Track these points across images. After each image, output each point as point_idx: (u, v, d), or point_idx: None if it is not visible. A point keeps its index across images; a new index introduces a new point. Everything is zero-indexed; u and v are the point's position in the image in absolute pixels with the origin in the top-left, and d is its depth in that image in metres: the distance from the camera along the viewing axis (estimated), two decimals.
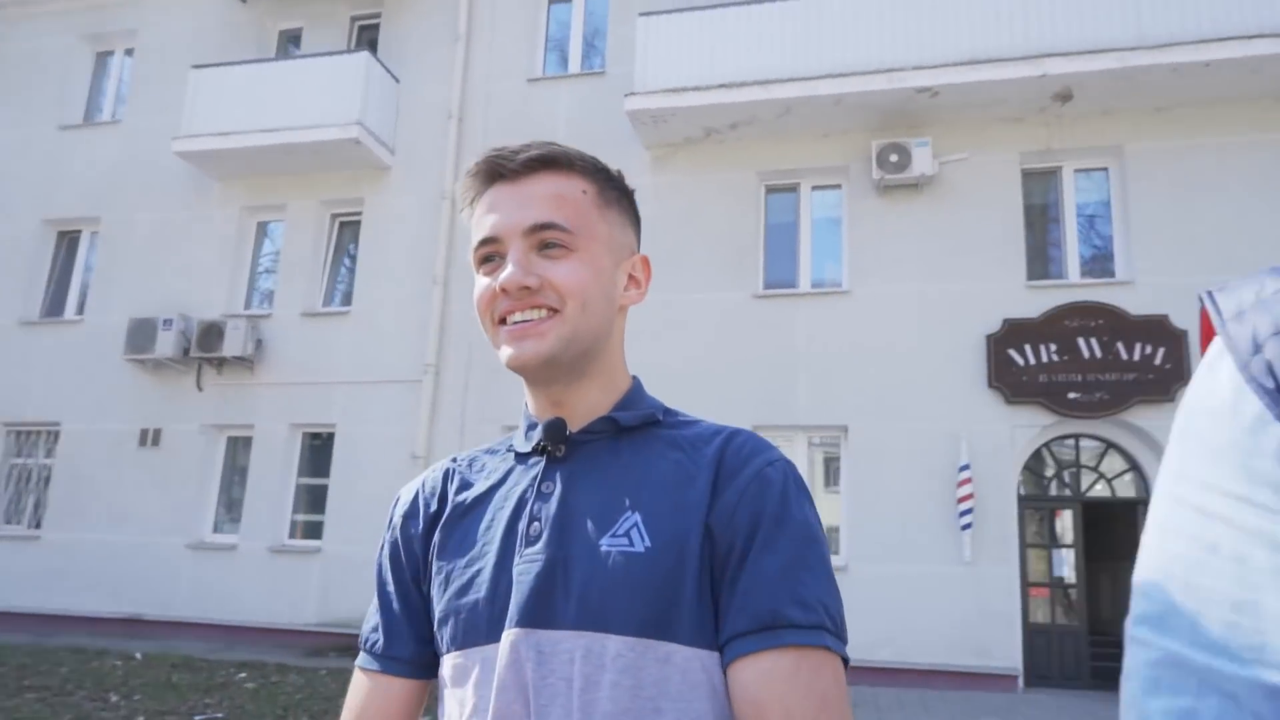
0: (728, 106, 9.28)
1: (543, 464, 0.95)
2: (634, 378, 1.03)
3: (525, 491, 0.94)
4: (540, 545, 0.88)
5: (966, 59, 8.61)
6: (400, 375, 10.12)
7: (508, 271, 0.90)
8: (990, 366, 8.64)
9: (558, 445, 0.95)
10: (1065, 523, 8.92)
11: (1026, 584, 8.59)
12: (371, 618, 1.01)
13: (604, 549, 0.87)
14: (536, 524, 0.90)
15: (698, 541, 0.87)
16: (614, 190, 1.01)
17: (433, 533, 0.97)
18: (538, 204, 0.92)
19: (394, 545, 1.00)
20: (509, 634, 0.86)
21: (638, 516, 0.89)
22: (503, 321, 0.93)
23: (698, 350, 9.36)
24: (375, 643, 0.99)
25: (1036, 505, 8.90)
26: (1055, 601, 8.71)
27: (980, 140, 9.18)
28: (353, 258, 11.02)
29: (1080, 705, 7.58)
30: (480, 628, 0.88)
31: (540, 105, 10.63)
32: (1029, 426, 8.58)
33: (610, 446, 0.95)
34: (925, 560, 8.41)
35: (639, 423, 0.96)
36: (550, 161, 0.95)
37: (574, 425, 0.95)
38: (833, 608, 0.84)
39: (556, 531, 0.89)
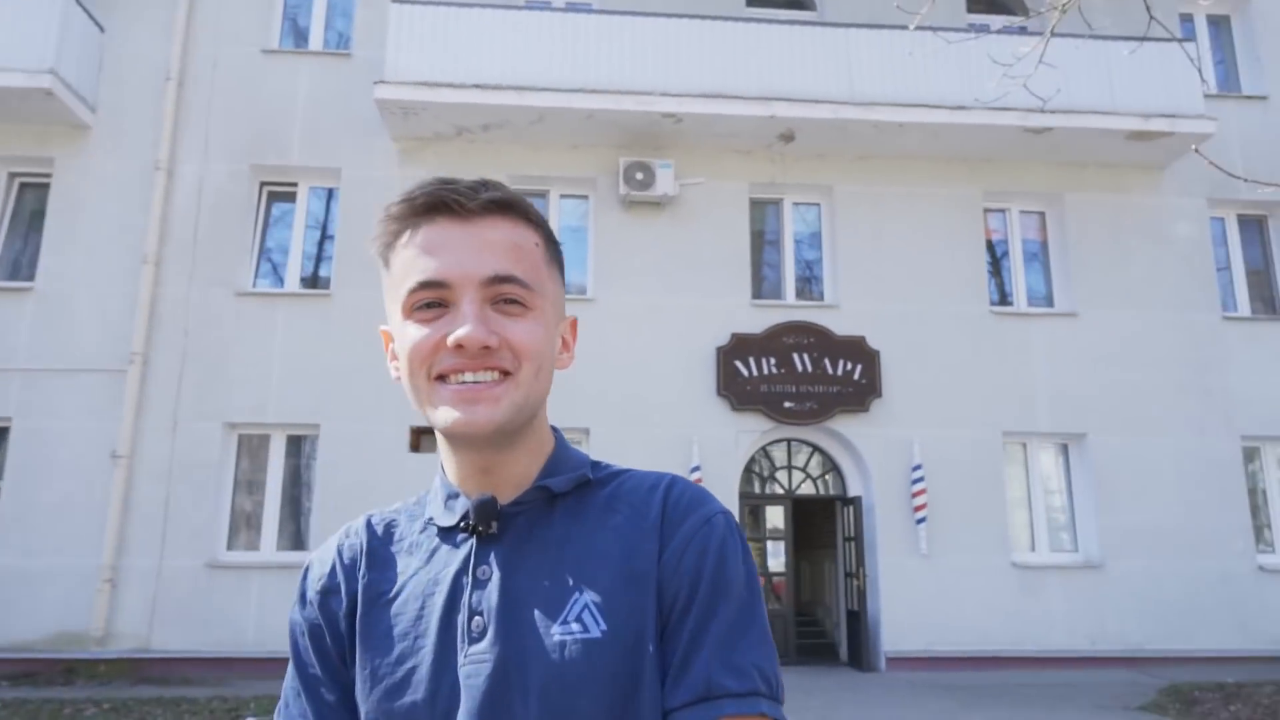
0: (482, 107, 9.27)
1: (473, 544, 0.86)
2: (555, 431, 0.95)
3: (458, 577, 0.85)
4: (486, 643, 0.81)
5: (709, 93, 9.33)
6: (98, 364, 8.90)
7: (468, 328, 0.80)
8: (720, 376, 9.41)
9: (488, 524, 0.86)
10: (777, 517, 9.93)
11: None
12: (294, 706, 0.89)
13: (558, 639, 0.80)
14: (479, 618, 0.82)
15: (653, 614, 0.83)
16: (555, 246, 0.93)
17: (354, 615, 0.87)
18: (497, 252, 0.84)
19: (315, 626, 0.89)
20: None
21: (588, 597, 0.82)
22: (441, 378, 0.83)
23: None
24: None
25: (755, 502, 9.83)
26: (767, 588, 9.67)
27: (715, 168, 9.97)
28: (38, 226, 9.52)
29: (788, 680, 8.46)
30: None
31: (277, 80, 9.91)
32: (751, 431, 9.45)
33: (544, 518, 0.88)
34: None
35: (571, 486, 0.89)
36: (509, 206, 0.86)
37: (503, 496, 0.87)
38: (768, 670, 0.82)
39: (503, 625, 0.81)
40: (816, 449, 9.83)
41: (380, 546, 0.90)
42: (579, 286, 9.89)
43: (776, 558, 9.76)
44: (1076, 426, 9.61)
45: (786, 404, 9.38)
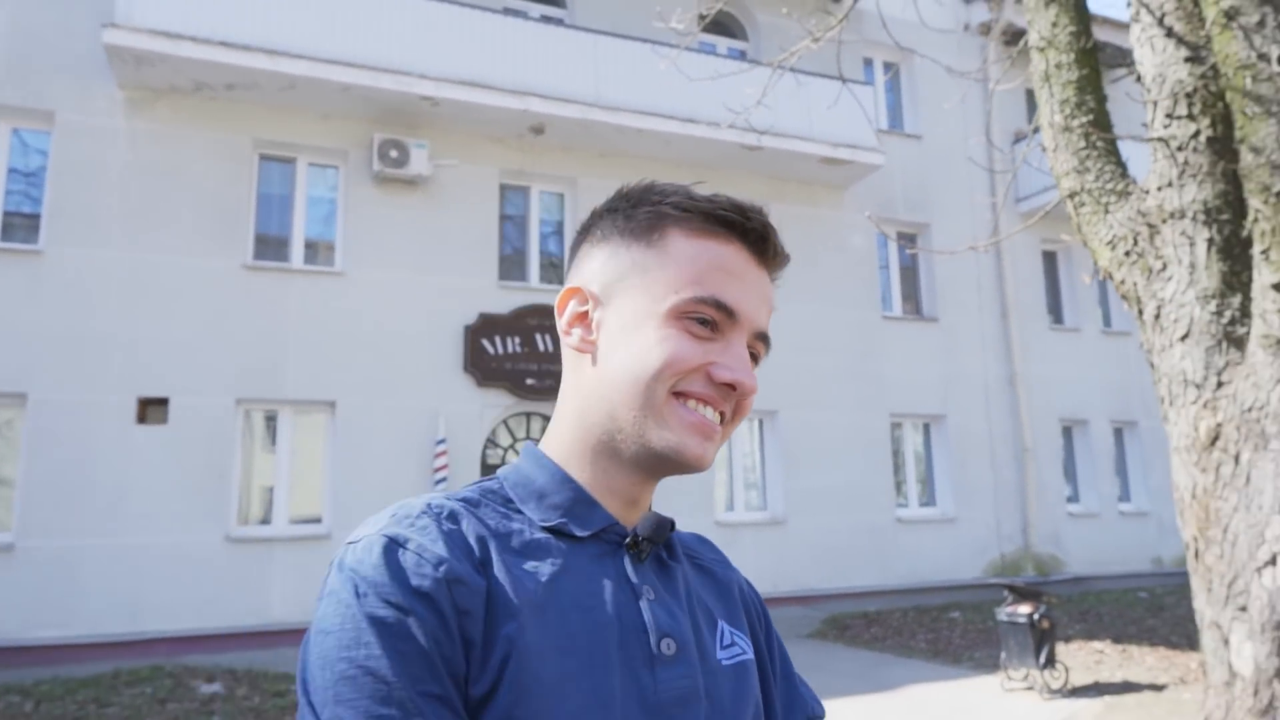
0: (228, 67, 8.90)
1: (626, 561, 0.80)
2: None
3: (619, 593, 0.77)
4: (683, 666, 0.76)
5: (466, 80, 9.68)
6: None
7: (747, 375, 0.79)
8: (467, 353, 9.90)
9: (648, 545, 0.82)
10: None
11: None
12: None
13: (727, 662, 0.82)
14: (669, 640, 0.77)
15: (762, 648, 0.93)
16: None
17: (489, 614, 0.70)
18: (768, 309, 0.83)
19: (441, 627, 0.67)
20: None
21: (726, 626, 0.86)
22: (679, 397, 0.78)
23: (179, 319, 8.84)
24: None
25: (496, 471, 10.48)
26: None
27: (469, 152, 10.36)
28: None
29: None
30: None
31: None
32: (494, 406, 10.07)
33: (661, 552, 0.87)
34: None
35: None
36: (786, 262, 0.86)
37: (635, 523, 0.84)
38: None
39: (693, 646, 0.79)
40: None
41: (490, 538, 0.75)
42: (326, 260, 9.86)
43: None
44: (770, 405, 11.31)
45: (528, 380, 10.10)
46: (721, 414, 0.81)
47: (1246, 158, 3.50)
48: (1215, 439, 3.75)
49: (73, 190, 8.75)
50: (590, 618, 0.74)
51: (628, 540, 0.81)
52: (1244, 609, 3.62)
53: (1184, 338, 3.92)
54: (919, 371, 12.39)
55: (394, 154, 9.70)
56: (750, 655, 0.85)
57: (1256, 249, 3.56)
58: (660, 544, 0.84)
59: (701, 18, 12.08)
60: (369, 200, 9.88)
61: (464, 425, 9.80)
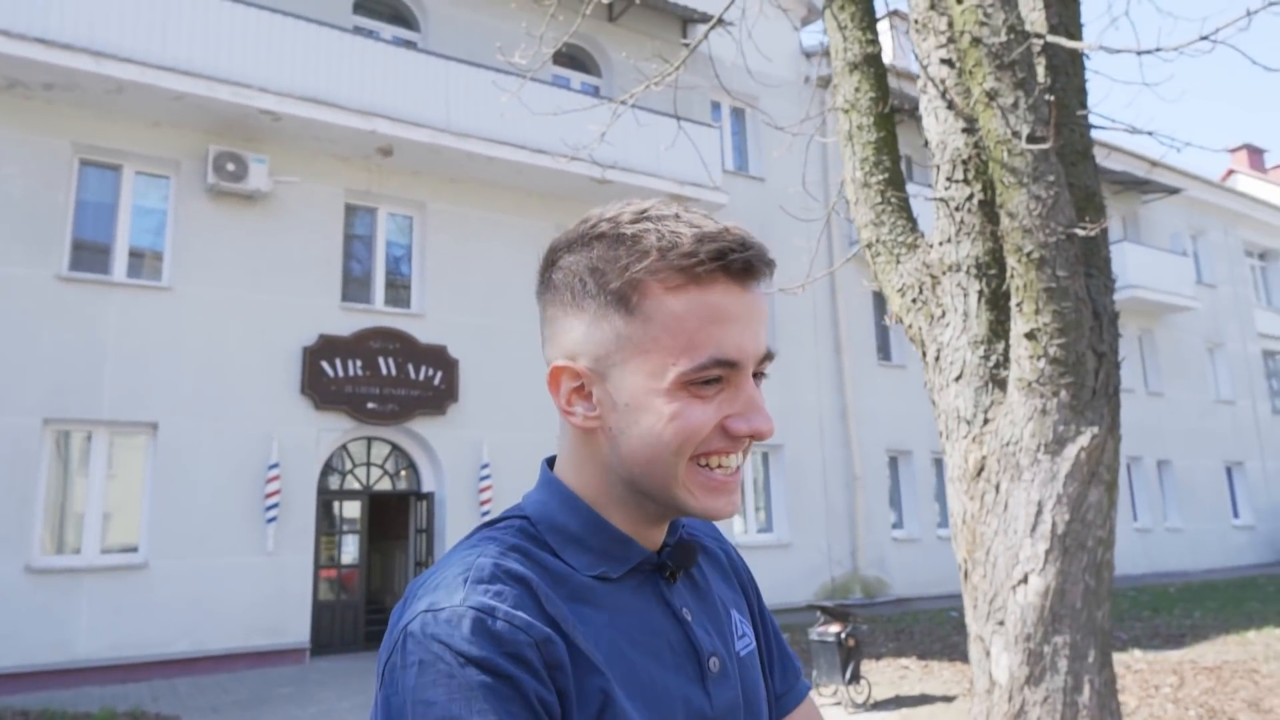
0: (46, 65, 8.38)
1: (662, 588, 0.83)
2: None
3: (665, 621, 0.81)
4: (728, 679, 0.83)
5: (310, 97, 9.48)
6: None
7: (765, 421, 0.77)
8: (304, 375, 9.61)
9: (680, 571, 0.86)
10: (353, 511, 10.40)
11: (319, 567, 9.78)
12: None
13: (743, 654, 0.88)
14: (715, 659, 0.82)
15: (760, 621, 0.97)
16: None
17: (575, 667, 0.72)
18: (765, 324, 0.80)
19: (544, 687, 0.69)
20: None
21: (735, 614, 0.91)
22: (695, 459, 0.77)
23: None
24: None
25: (333, 497, 10.18)
26: (340, 580, 10.10)
27: (312, 169, 10.12)
28: None
29: (357, 665, 9.06)
30: None
31: None
32: (333, 430, 9.81)
33: None
34: (231, 553, 8.92)
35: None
36: (773, 269, 0.81)
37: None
38: None
39: (727, 661, 0.84)
40: (395, 447, 10.50)
41: (558, 593, 0.77)
42: (152, 273, 9.38)
43: (349, 551, 10.23)
44: None
45: (369, 405, 9.91)
46: (741, 454, 0.80)
47: (1005, 221, 3.96)
48: (981, 470, 4.18)
49: None
50: (648, 649, 0.78)
51: (661, 568, 0.84)
52: (1002, 623, 4.04)
53: (958, 378, 4.35)
54: None
55: (231, 167, 9.37)
56: (753, 644, 0.89)
57: (1013, 301, 4.02)
58: (691, 566, 0.86)
59: (555, 53, 12.32)
60: (202, 214, 9.49)
61: (299, 449, 9.49)
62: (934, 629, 10.13)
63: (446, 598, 0.70)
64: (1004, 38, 3.96)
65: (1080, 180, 4.31)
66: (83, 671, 8.11)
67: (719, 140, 12.67)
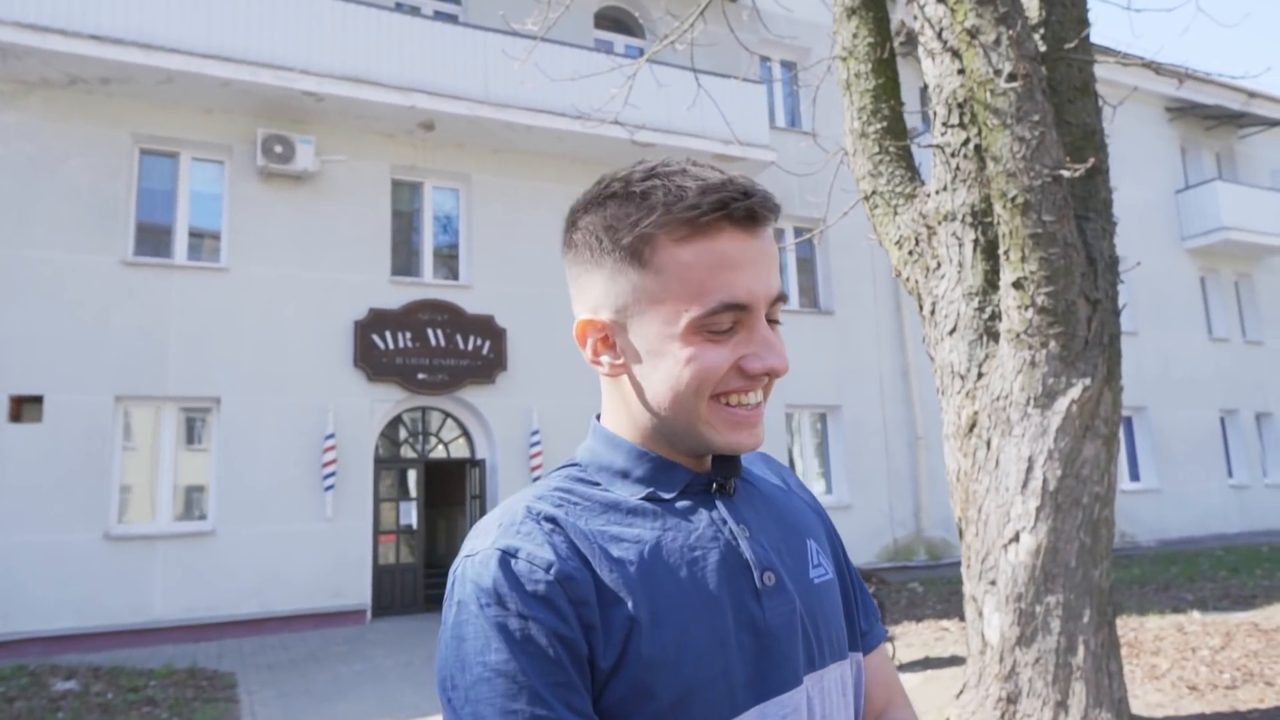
0: (100, 61, 8.78)
1: (721, 506, 0.86)
2: None
3: (718, 538, 0.83)
4: (783, 594, 0.84)
5: (350, 76, 9.68)
6: None
7: (779, 359, 0.81)
8: (356, 348, 9.93)
9: (730, 484, 0.89)
10: (411, 478, 10.74)
11: (378, 532, 10.16)
12: None
13: (817, 581, 0.89)
14: (769, 573, 0.84)
15: (838, 554, 1.00)
16: None
17: (602, 600, 0.76)
18: (775, 268, 0.83)
19: (563, 623, 0.74)
20: (800, 688, 0.82)
21: (813, 544, 0.93)
22: (717, 398, 0.82)
23: (55, 316, 8.73)
24: None
25: (389, 466, 10.54)
26: (401, 544, 10.48)
27: (358, 147, 10.36)
28: None
29: (414, 625, 9.41)
30: (739, 689, 0.78)
31: None
32: (386, 400, 10.12)
33: (744, 482, 0.93)
34: (292, 520, 9.35)
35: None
36: (779, 212, 0.84)
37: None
38: None
39: (786, 574, 0.86)
40: (449, 415, 10.77)
41: (598, 523, 0.82)
42: (210, 255, 9.80)
43: (407, 516, 10.59)
44: None
45: (420, 375, 10.17)
46: (761, 390, 0.84)
47: (990, 165, 3.78)
48: (973, 426, 4.04)
49: None
50: (697, 568, 0.81)
51: (713, 486, 0.88)
52: (994, 583, 3.92)
53: (952, 332, 4.20)
54: (815, 363, 12.73)
55: (279, 149, 9.67)
56: (832, 575, 0.92)
57: (1001, 249, 3.84)
58: (739, 476, 0.91)
59: (596, 15, 12.23)
60: (254, 196, 9.84)
61: (354, 420, 9.84)
62: None
63: (481, 542, 0.78)
64: None
65: (1079, 117, 4.07)
66: (159, 631, 8.66)
67: (765, 96, 12.38)
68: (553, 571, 0.75)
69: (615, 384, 0.87)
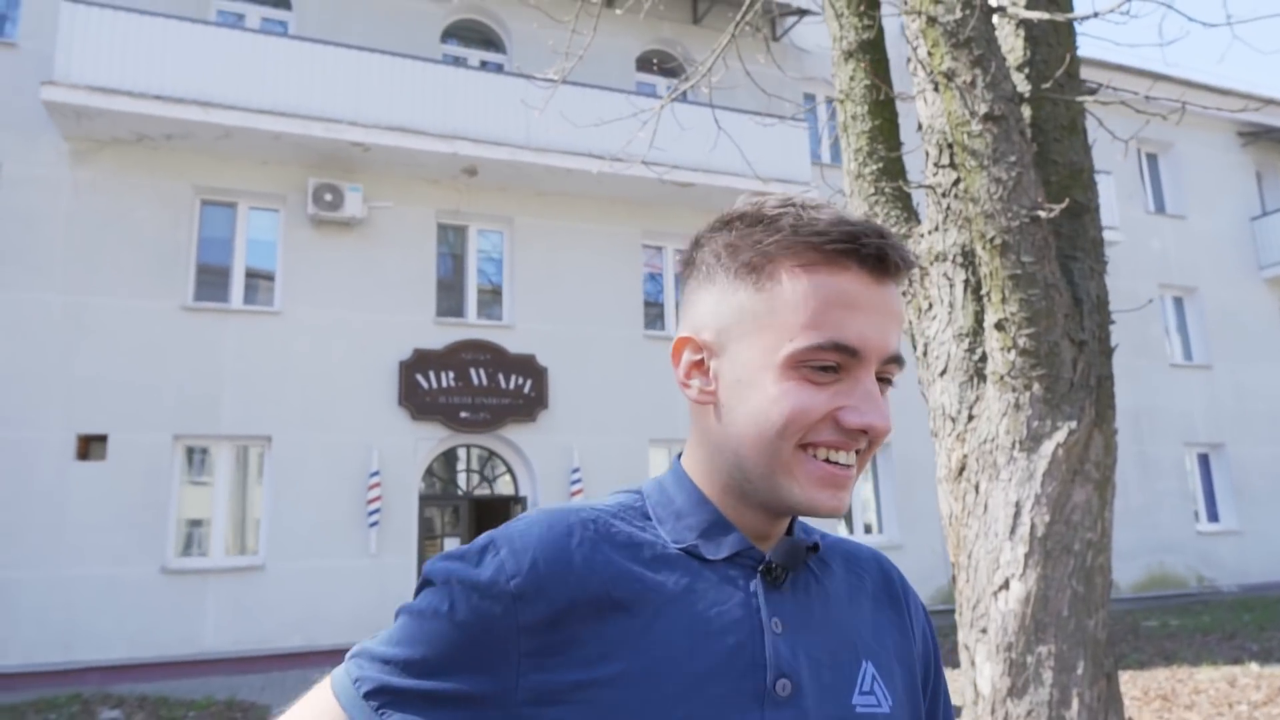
0: (163, 119, 9.34)
1: (761, 590, 0.77)
2: None
3: (743, 623, 0.74)
4: (793, 711, 0.73)
5: (395, 126, 10.08)
6: None
7: (880, 417, 0.73)
8: (401, 388, 10.22)
9: (783, 572, 0.78)
10: (454, 515, 10.94)
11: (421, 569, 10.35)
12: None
13: (859, 710, 0.76)
14: (785, 680, 0.73)
15: (920, 693, 0.85)
16: None
17: (564, 632, 0.71)
18: (896, 326, 0.77)
19: (486, 631, 0.71)
20: None
21: (870, 667, 0.79)
22: (804, 447, 0.74)
23: (119, 359, 9.24)
24: None
25: (433, 503, 10.76)
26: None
27: (404, 194, 10.75)
28: None
29: None
30: None
31: None
32: (429, 439, 10.36)
33: (807, 573, 0.82)
34: (337, 555, 9.62)
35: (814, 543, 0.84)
36: (910, 269, 0.77)
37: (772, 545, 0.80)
38: None
39: (810, 689, 0.74)
40: (492, 453, 10.96)
41: (622, 555, 0.75)
42: (265, 300, 10.24)
43: None
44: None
45: (462, 414, 10.40)
46: (856, 452, 0.76)
47: (969, 207, 3.75)
48: (962, 469, 3.97)
49: (17, 237, 9.20)
50: (704, 643, 0.72)
51: (761, 566, 0.78)
52: (985, 631, 3.81)
53: (943, 373, 4.15)
54: None
55: (329, 197, 10.10)
56: (886, 709, 0.78)
57: (984, 290, 3.80)
58: (798, 569, 0.81)
59: (638, 59, 12.44)
60: (306, 242, 10.27)
61: (398, 458, 10.10)
62: None
63: (514, 522, 0.78)
64: (959, 15, 3.75)
65: (1065, 156, 4.00)
66: (209, 663, 8.97)
67: (807, 133, 12.41)
68: (513, 583, 0.71)
69: (701, 415, 0.80)
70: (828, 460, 0.74)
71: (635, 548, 0.76)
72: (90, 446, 9.22)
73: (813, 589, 0.81)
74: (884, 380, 0.76)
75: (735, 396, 0.76)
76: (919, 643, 0.88)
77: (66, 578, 8.71)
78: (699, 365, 0.79)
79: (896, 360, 0.76)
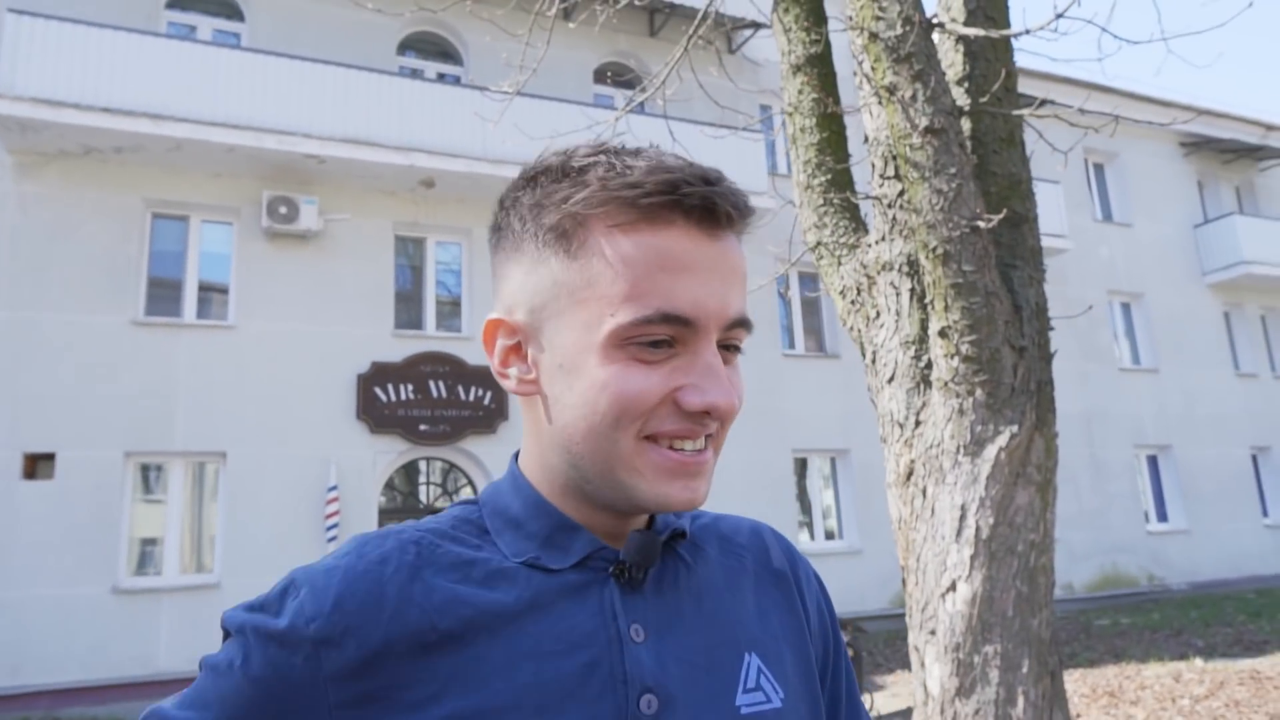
0: (112, 132, 9.20)
1: (616, 595, 0.68)
2: None
3: (596, 636, 0.66)
4: None
5: (350, 138, 10.02)
6: None
7: (724, 395, 0.64)
8: (359, 401, 10.13)
9: (644, 571, 0.69)
10: None
11: None
12: None
13: (744, 712, 0.68)
14: (650, 696, 0.65)
15: (815, 674, 0.76)
16: None
17: (378, 674, 0.62)
18: (738, 285, 0.67)
19: (281, 682, 0.63)
20: None
21: (754, 659, 0.71)
22: (651, 439, 0.65)
23: (67, 375, 9.05)
24: None
25: (392, 516, 10.66)
26: None
27: (361, 206, 10.68)
28: None
29: None
30: None
31: None
32: (388, 452, 10.28)
33: (673, 564, 0.73)
34: None
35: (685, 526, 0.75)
36: (749, 217, 0.68)
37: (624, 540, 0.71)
38: None
39: (681, 701, 0.66)
40: (452, 465, 10.90)
41: (433, 580, 0.66)
42: (219, 314, 10.11)
43: None
44: None
45: (422, 426, 10.33)
46: (706, 437, 0.66)
47: (913, 218, 3.85)
48: (910, 474, 4.05)
49: None
50: (551, 665, 0.63)
51: (612, 570, 0.69)
52: (933, 633, 3.90)
53: (890, 380, 4.24)
54: (822, 407, 12.70)
55: (283, 210, 10.00)
56: (776, 704, 0.69)
57: (927, 299, 3.90)
58: (663, 563, 0.71)
59: (595, 71, 12.52)
60: (261, 255, 10.16)
61: (356, 472, 10.00)
62: None
63: (322, 560, 0.68)
64: (899, 30, 3.86)
65: (1004, 168, 4.13)
66: (164, 684, 8.78)
67: (763, 146, 12.56)
68: (313, 627, 0.62)
69: (528, 407, 0.71)
70: (671, 448, 0.65)
71: (465, 567, 0.67)
72: (37, 465, 9.01)
73: (682, 583, 0.72)
74: (731, 347, 0.67)
75: (558, 385, 0.66)
76: (813, 618, 0.79)
77: (14, 599, 8.50)
78: (516, 350, 0.70)
79: (742, 324, 0.67)
